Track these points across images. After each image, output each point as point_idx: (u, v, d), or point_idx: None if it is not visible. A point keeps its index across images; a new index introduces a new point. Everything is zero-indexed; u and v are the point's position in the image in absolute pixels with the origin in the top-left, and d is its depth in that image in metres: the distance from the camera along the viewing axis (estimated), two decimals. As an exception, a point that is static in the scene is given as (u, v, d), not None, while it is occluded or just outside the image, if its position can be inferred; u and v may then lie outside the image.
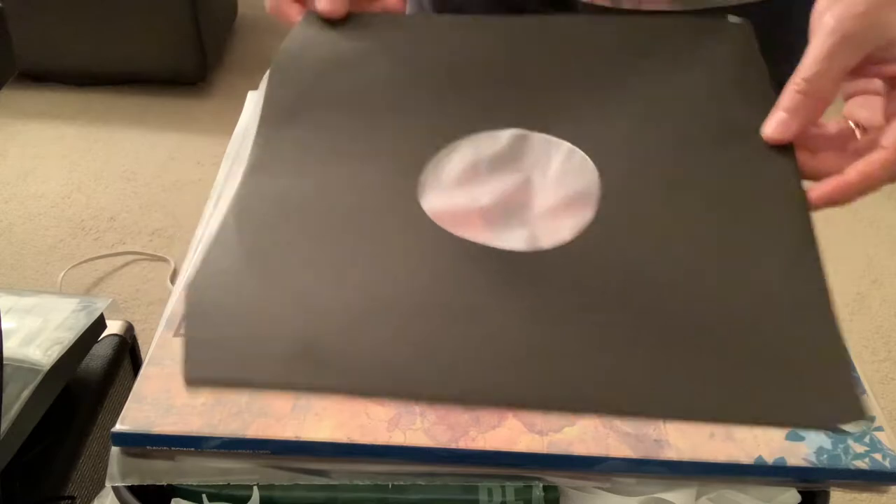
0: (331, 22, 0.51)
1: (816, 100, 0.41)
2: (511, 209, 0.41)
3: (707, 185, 0.41)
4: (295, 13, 0.51)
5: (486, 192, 0.42)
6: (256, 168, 0.43)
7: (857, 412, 0.33)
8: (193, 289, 0.37)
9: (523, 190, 0.42)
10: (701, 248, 0.39)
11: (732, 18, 0.50)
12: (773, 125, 0.42)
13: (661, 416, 0.33)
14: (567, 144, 0.44)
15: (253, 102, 0.50)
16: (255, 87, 0.50)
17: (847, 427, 0.33)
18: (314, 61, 0.48)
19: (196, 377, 0.33)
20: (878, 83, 0.42)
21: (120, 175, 1.90)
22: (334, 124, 0.45)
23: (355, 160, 0.43)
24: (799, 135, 0.42)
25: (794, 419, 0.33)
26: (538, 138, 0.44)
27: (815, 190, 0.40)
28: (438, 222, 0.40)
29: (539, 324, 0.35)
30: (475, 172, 0.43)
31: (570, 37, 0.50)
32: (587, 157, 0.43)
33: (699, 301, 0.36)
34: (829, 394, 0.33)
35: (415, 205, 0.41)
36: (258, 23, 2.45)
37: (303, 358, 0.34)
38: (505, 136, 0.44)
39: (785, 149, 0.42)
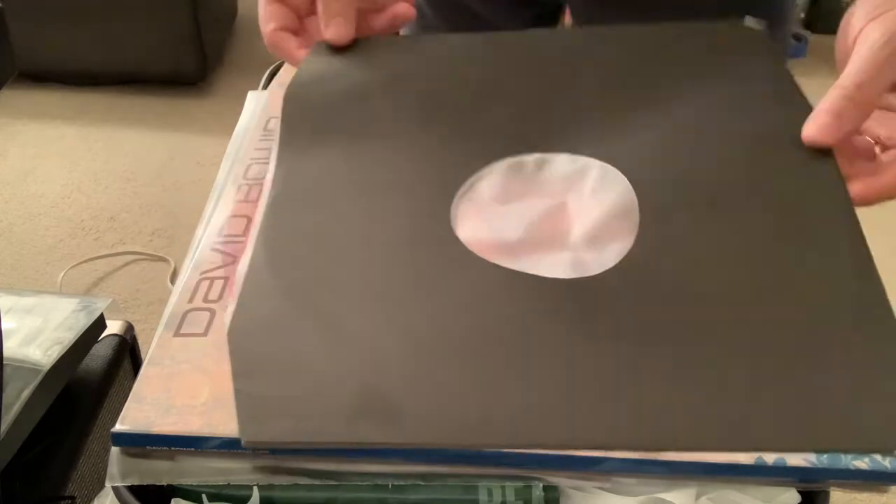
0: (341, 50, 0.49)
1: (862, 107, 0.40)
2: (551, 235, 0.39)
3: (751, 196, 0.39)
4: (294, 47, 0.49)
5: (523, 219, 0.40)
6: (279, 203, 0.41)
7: None
8: (235, 337, 0.34)
9: (560, 214, 0.40)
10: (755, 265, 0.37)
11: (749, 21, 0.49)
12: (816, 127, 0.40)
13: (728, 448, 0.31)
14: (598, 162, 0.42)
15: (253, 102, 0.50)
16: (255, 87, 0.50)
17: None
18: (329, 91, 0.47)
19: (255, 439, 0.31)
20: (891, 99, 0.42)
21: (120, 175, 1.90)
22: (355, 155, 0.43)
23: (381, 191, 0.41)
24: (840, 142, 0.40)
25: (858, 444, 0.31)
26: (567, 159, 0.43)
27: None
28: (478, 252, 0.38)
29: (607, 356, 0.33)
30: (507, 199, 0.41)
31: (587, 50, 0.49)
32: (620, 173, 0.41)
33: (759, 322, 0.35)
34: (881, 415, 0.32)
35: (451, 235, 0.39)
36: (258, 23, 2.45)
37: (367, 410, 0.31)
38: (532, 160, 0.43)
39: (826, 154, 0.40)
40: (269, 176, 0.42)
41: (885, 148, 0.41)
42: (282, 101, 0.46)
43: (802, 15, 2.65)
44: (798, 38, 2.53)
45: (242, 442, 0.31)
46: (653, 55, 0.48)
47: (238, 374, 0.33)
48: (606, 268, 0.37)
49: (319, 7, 0.49)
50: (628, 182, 0.41)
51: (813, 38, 2.51)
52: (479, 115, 0.46)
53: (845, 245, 0.37)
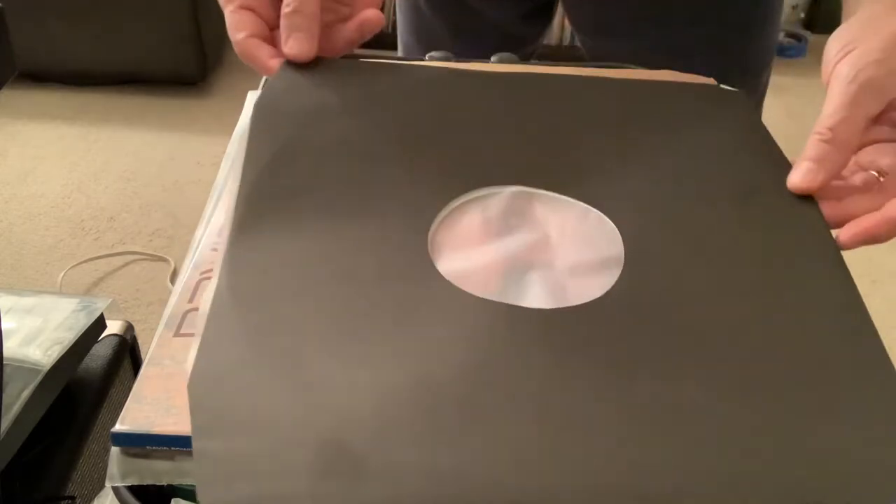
0: (313, 66, 0.47)
1: (842, 148, 0.40)
2: (532, 266, 0.38)
3: (734, 239, 0.39)
4: (266, 56, 0.47)
5: (505, 250, 0.39)
6: (245, 227, 0.38)
7: None
8: (195, 388, 0.32)
9: (543, 246, 0.40)
10: (741, 303, 0.36)
11: (725, 87, 0.50)
12: (801, 174, 0.41)
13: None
14: (580, 203, 0.42)
15: (253, 102, 0.50)
16: (255, 88, 0.50)
17: None
18: (299, 109, 0.45)
19: (211, 501, 0.29)
20: (886, 130, 0.42)
21: (120, 175, 1.90)
22: (325, 179, 0.41)
23: (353, 219, 0.39)
24: (826, 184, 0.41)
25: (856, 500, 0.29)
26: (546, 197, 0.42)
27: (850, 228, 0.39)
28: (458, 284, 0.36)
29: (588, 403, 0.32)
30: (487, 230, 0.40)
31: (570, 95, 0.48)
32: (603, 215, 0.41)
33: (750, 360, 0.34)
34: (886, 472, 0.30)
35: (428, 266, 0.37)
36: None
37: (331, 468, 0.30)
38: (510, 192, 0.42)
39: (807, 200, 0.41)
40: (233, 189, 0.40)
41: (886, 176, 0.41)
42: (251, 114, 0.44)
43: (802, 15, 2.65)
44: (798, 38, 2.53)
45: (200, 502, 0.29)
46: (636, 106, 0.48)
47: (197, 431, 0.31)
48: (589, 299, 0.36)
49: (282, 22, 0.46)
50: (612, 223, 0.41)
51: (813, 38, 2.51)
52: (454, 145, 0.44)
53: (831, 281, 0.37)
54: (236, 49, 0.47)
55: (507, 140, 0.45)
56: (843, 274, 0.38)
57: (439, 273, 0.37)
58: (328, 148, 0.43)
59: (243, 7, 0.47)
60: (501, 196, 0.42)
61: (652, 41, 0.67)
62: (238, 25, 0.47)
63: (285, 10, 0.46)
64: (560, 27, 2.30)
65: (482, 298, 0.36)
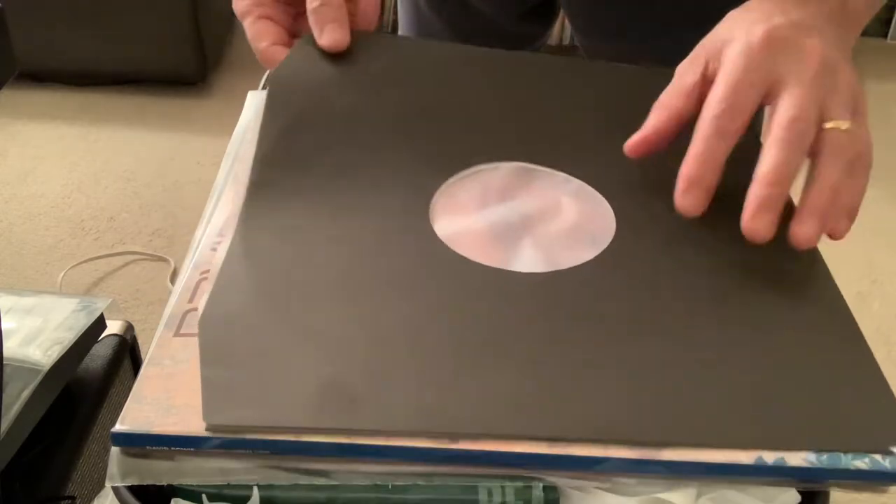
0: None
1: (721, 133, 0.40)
2: (527, 233, 0.41)
3: (719, 216, 0.41)
4: (284, 55, 0.50)
5: (501, 218, 0.42)
6: (260, 190, 0.42)
7: None
8: (206, 326, 0.35)
9: (537, 217, 0.42)
10: (725, 269, 0.39)
11: None
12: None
13: (701, 445, 0.32)
14: (576, 181, 0.44)
15: (253, 102, 0.50)
16: (255, 87, 0.50)
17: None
18: (313, 81, 0.48)
19: (216, 422, 0.32)
20: None
21: (120, 175, 1.90)
22: (335, 148, 0.44)
23: (360, 186, 0.43)
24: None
25: (856, 445, 0.32)
26: (544, 173, 0.45)
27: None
28: (455, 248, 0.39)
29: (570, 351, 0.35)
30: (485, 200, 0.43)
31: (572, 77, 0.51)
32: (596, 192, 0.43)
33: (731, 322, 0.36)
34: (873, 415, 0.33)
35: (428, 230, 0.40)
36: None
37: (329, 399, 0.32)
38: (509, 167, 0.45)
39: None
40: (248, 144, 0.43)
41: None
42: (267, 85, 0.47)
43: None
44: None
45: (206, 426, 0.32)
46: (633, 89, 0.48)
47: (206, 362, 0.34)
48: (581, 262, 0.39)
49: (311, 17, 0.49)
50: (603, 198, 0.43)
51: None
52: (460, 121, 0.47)
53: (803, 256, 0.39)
54: (260, 57, 0.50)
55: (511, 118, 0.48)
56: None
57: (437, 236, 0.40)
58: (339, 119, 0.46)
59: (262, 17, 0.49)
60: (501, 170, 0.45)
61: (652, 44, 0.67)
62: (260, 35, 0.50)
63: (312, 4, 0.48)
64: (560, 27, 2.30)
65: (474, 262, 0.39)
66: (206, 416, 0.32)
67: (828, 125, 0.38)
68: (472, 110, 0.48)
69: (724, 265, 0.39)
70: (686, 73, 0.42)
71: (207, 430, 0.32)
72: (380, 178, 0.43)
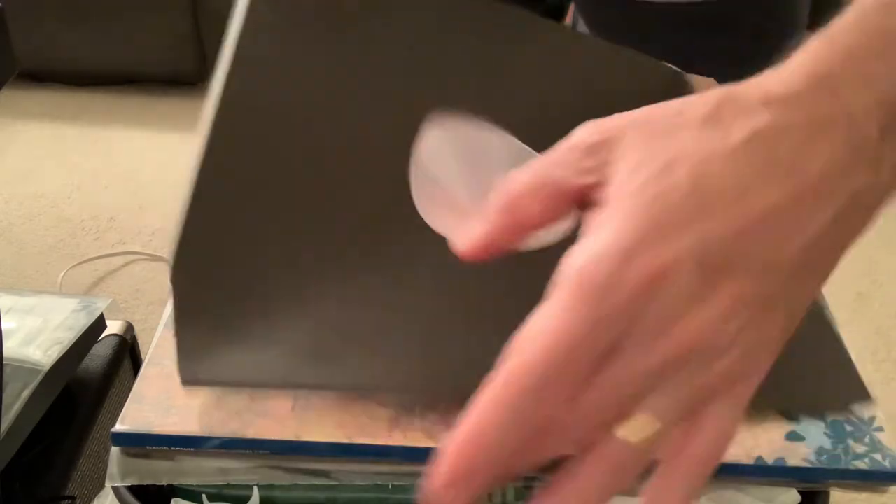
0: None
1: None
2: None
3: None
4: None
5: (474, 186, 0.39)
6: (233, 107, 0.38)
7: (863, 394, 0.33)
8: (179, 277, 0.33)
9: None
10: None
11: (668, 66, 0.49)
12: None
13: None
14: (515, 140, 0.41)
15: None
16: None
17: (855, 409, 0.33)
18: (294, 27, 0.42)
19: (190, 378, 0.31)
20: None
21: (120, 175, 1.90)
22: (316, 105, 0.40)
23: (333, 135, 0.39)
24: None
25: (803, 405, 0.33)
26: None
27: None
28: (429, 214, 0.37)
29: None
30: (463, 162, 0.40)
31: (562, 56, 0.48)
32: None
33: None
34: (834, 379, 0.34)
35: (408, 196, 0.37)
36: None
37: (308, 356, 0.32)
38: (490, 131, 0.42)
39: None
40: (226, 56, 0.39)
41: None
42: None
43: (802, 15, 2.65)
44: (798, 38, 2.53)
45: (181, 381, 0.31)
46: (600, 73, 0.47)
47: (180, 315, 0.32)
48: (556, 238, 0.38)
49: None
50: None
51: (813, 38, 2.51)
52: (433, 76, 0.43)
53: None
54: None
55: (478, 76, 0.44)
56: None
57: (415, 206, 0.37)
58: (323, 73, 0.42)
59: None
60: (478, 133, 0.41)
61: (663, 46, 0.67)
62: None
63: None
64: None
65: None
66: (180, 372, 0.31)
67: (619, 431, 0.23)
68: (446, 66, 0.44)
69: None
70: (573, 162, 0.25)
71: (183, 384, 0.32)
72: (356, 129, 0.39)
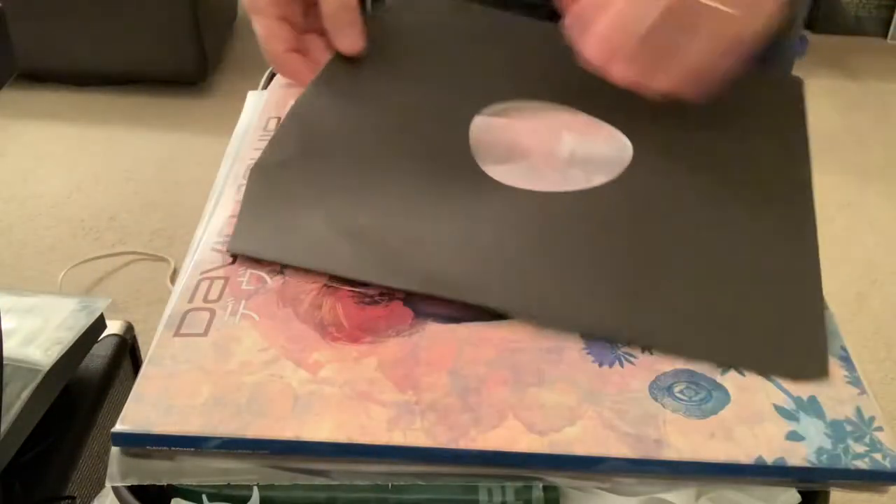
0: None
1: None
2: (549, 154, 0.45)
3: (724, 164, 0.45)
4: (306, 70, 0.48)
5: (526, 138, 0.46)
6: (325, 78, 0.46)
7: (821, 370, 0.35)
8: (256, 172, 0.40)
9: (560, 139, 0.46)
10: (714, 210, 0.42)
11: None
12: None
13: (647, 344, 0.35)
14: (605, 124, 0.47)
15: (253, 102, 0.50)
16: (255, 87, 0.50)
17: (804, 380, 0.34)
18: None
19: (238, 249, 0.37)
20: None
21: (120, 175, 1.90)
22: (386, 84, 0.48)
23: (409, 99, 0.47)
24: None
25: (762, 365, 0.35)
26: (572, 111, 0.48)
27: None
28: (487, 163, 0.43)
29: (595, 254, 0.39)
30: (517, 125, 0.46)
31: None
32: (623, 136, 0.46)
33: (703, 248, 0.40)
34: (799, 348, 0.36)
35: (467, 151, 0.43)
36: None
37: (364, 252, 0.36)
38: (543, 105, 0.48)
39: (798, 141, 0.46)
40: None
41: None
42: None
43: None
44: (798, 37, 2.53)
45: (228, 249, 0.37)
46: None
47: (247, 200, 0.39)
48: (588, 187, 0.43)
49: (327, 22, 0.47)
50: (627, 139, 0.46)
51: (813, 38, 2.51)
52: (497, 76, 0.50)
53: (793, 207, 0.43)
54: (274, 61, 0.48)
55: (537, 85, 0.50)
56: (805, 200, 0.43)
57: (474, 160, 0.43)
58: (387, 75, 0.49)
59: (278, 17, 0.47)
60: (539, 108, 0.48)
61: None
62: (274, 37, 0.47)
63: (328, 8, 0.47)
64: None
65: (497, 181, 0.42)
66: (230, 243, 0.37)
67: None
68: (510, 71, 0.50)
69: (721, 207, 0.43)
70: None
71: (229, 251, 0.37)
72: (424, 104, 0.47)
